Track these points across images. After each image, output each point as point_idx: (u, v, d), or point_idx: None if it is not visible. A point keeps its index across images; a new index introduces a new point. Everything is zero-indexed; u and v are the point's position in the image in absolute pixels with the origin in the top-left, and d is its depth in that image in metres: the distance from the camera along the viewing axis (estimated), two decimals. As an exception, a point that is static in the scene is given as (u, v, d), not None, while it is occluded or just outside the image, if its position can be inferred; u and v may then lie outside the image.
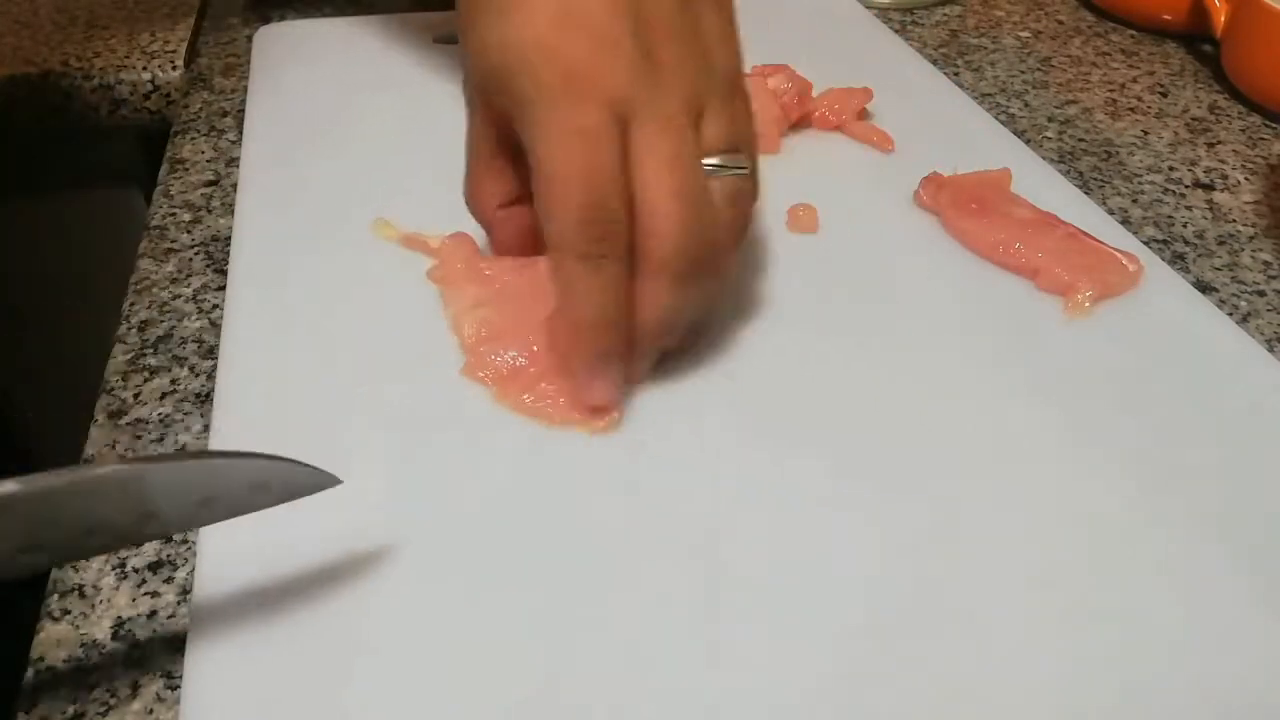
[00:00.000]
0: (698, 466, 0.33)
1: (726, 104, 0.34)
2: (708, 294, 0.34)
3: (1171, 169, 0.53)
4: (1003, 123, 0.53)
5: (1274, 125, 0.57)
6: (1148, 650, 0.28)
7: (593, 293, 0.32)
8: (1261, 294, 0.44)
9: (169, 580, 0.30)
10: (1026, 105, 0.58)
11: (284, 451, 0.32)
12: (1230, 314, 0.41)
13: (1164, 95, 0.60)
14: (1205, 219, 0.49)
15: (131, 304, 0.41)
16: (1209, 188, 0.52)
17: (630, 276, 0.32)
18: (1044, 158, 0.50)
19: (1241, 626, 0.29)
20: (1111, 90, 0.60)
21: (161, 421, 0.36)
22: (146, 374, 0.38)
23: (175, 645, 0.29)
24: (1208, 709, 0.27)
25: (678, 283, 0.32)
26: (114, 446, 0.35)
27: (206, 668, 0.26)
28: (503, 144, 0.35)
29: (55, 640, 0.29)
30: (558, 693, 0.26)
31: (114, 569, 0.31)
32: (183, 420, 0.36)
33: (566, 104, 0.31)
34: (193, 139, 0.52)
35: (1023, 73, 0.62)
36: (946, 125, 0.52)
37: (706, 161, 0.33)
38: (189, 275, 0.43)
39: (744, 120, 0.35)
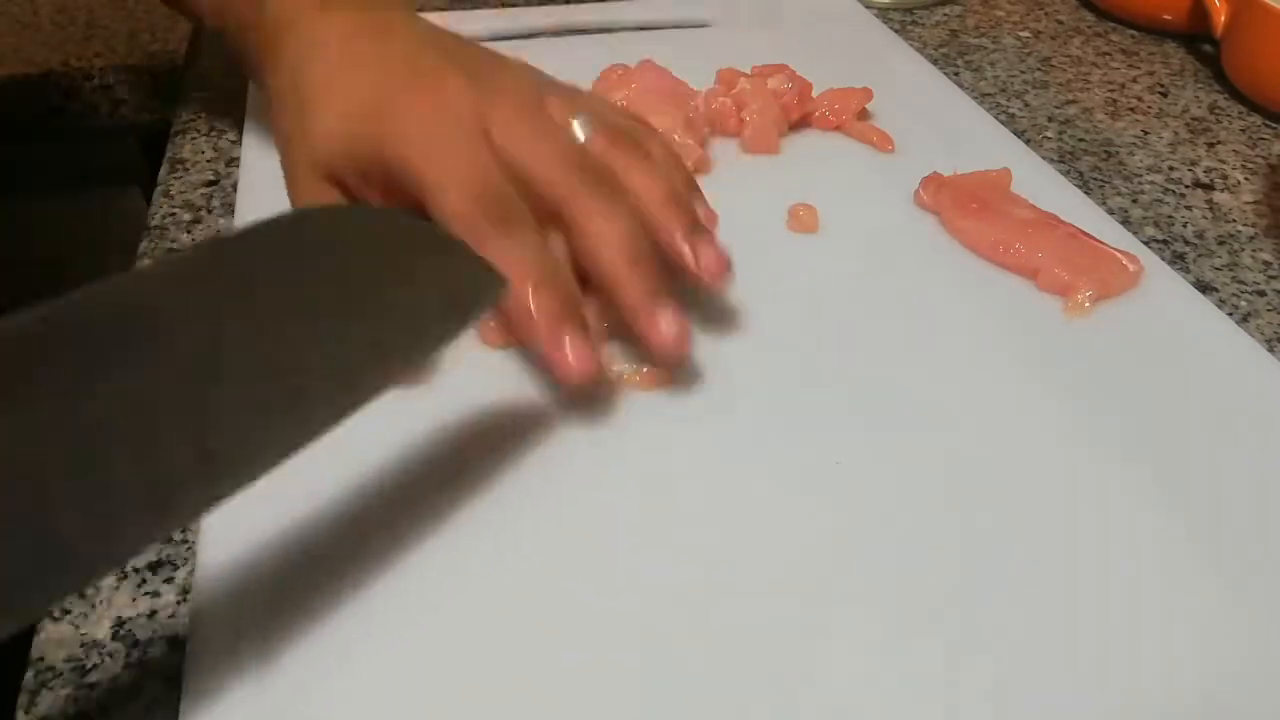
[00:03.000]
0: (695, 465, 0.33)
1: (570, 95, 0.38)
2: (628, 206, 0.34)
3: (1171, 169, 0.53)
4: (1003, 123, 0.53)
5: (1274, 125, 0.57)
6: (1138, 649, 0.28)
7: (523, 253, 0.33)
8: (1261, 294, 0.44)
9: (169, 580, 0.30)
10: (1026, 105, 0.58)
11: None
12: (1230, 314, 0.41)
13: (1164, 95, 0.60)
14: (1205, 219, 0.49)
15: (131, 304, 0.41)
16: (1209, 188, 0.52)
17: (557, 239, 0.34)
18: (1044, 158, 0.50)
19: (1233, 626, 0.29)
20: (1111, 90, 0.60)
21: (161, 421, 0.36)
22: (146, 374, 0.38)
23: (175, 645, 0.29)
24: (1201, 707, 0.27)
25: (594, 200, 0.34)
26: (114, 446, 0.35)
27: (206, 668, 0.26)
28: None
29: (55, 640, 0.29)
30: (563, 696, 0.26)
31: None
32: (183, 420, 0.36)
33: (433, 120, 0.34)
34: (193, 139, 0.52)
35: (1023, 73, 0.62)
36: (946, 125, 0.52)
37: (574, 124, 0.36)
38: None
39: (577, 93, 0.38)
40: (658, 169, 0.36)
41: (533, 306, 0.32)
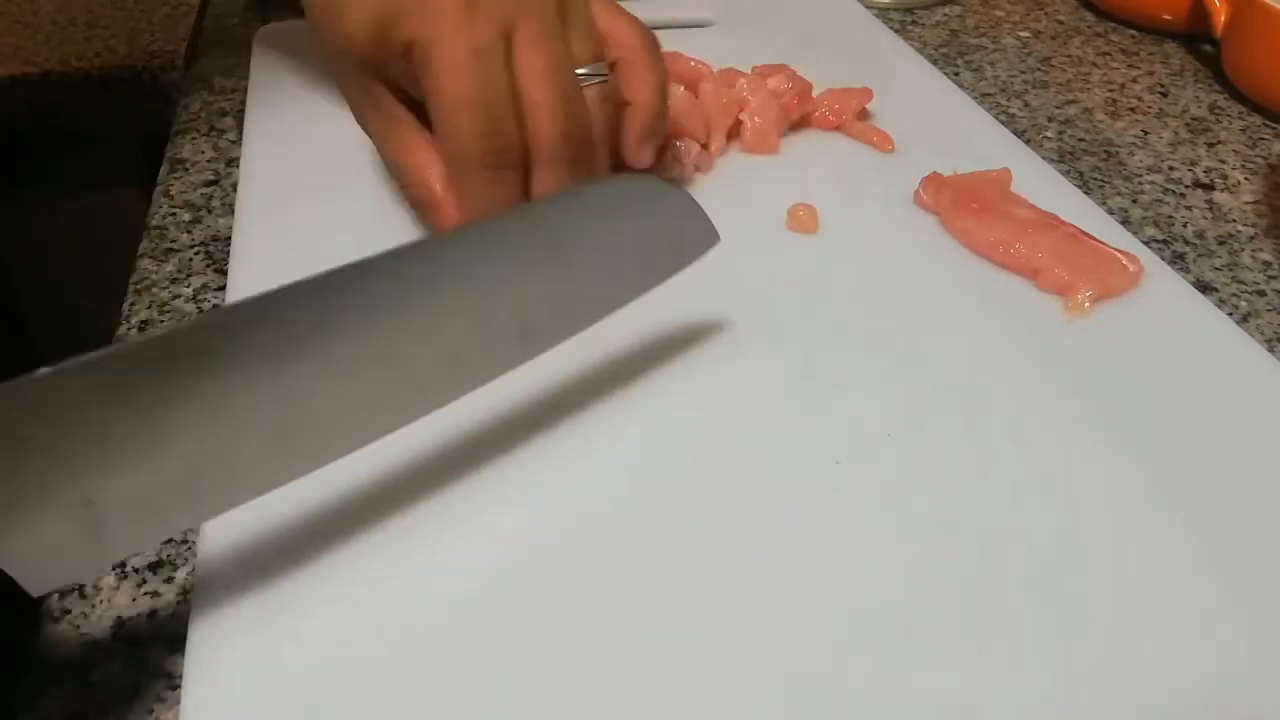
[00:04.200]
0: (698, 461, 0.33)
1: (585, 15, 0.39)
2: (582, 178, 0.38)
3: (1171, 169, 0.53)
4: (1003, 123, 0.53)
5: (1274, 125, 0.57)
6: (1138, 649, 0.28)
7: (498, 198, 0.36)
8: (1261, 294, 0.44)
9: (169, 580, 0.30)
10: (1026, 105, 0.58)
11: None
12: (1230, 314, 0.41)
13: (1164, 95, 0.60)
14: (1205, 219, 0.49)
15: (131, 304, 0.41)
16: (1209, 188, 0.52)
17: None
18: (1044, 158, 0.50)
19: (1233, 626, 0.29)
20: (1111, 90, 0.60)
21: (161, 421, 0.36)
22: (146, 374, 0.38)
23: (175, 645, 0.29)
24: (1201, 707, 0.27)
25: (563, 169, 0.37)
26: (114, 446, 0.35)
27: (206, 667, 0.26)
28: (413, 111, 0.39)
29: (55, 640, 0.29)
30: (570, 694, 0.26)
31: (114, 569, 0.31)
32: (183, 420, 0.36)
33: (465, 28, 0.35)
34: (193, 139, 0.52)
35: (1023, 73, 0.62)
36: (946, 125, 0.51)
37: (578, 71, 0.38)
38: (189, 275, 0.43)
39: (596, 31, 0.40)
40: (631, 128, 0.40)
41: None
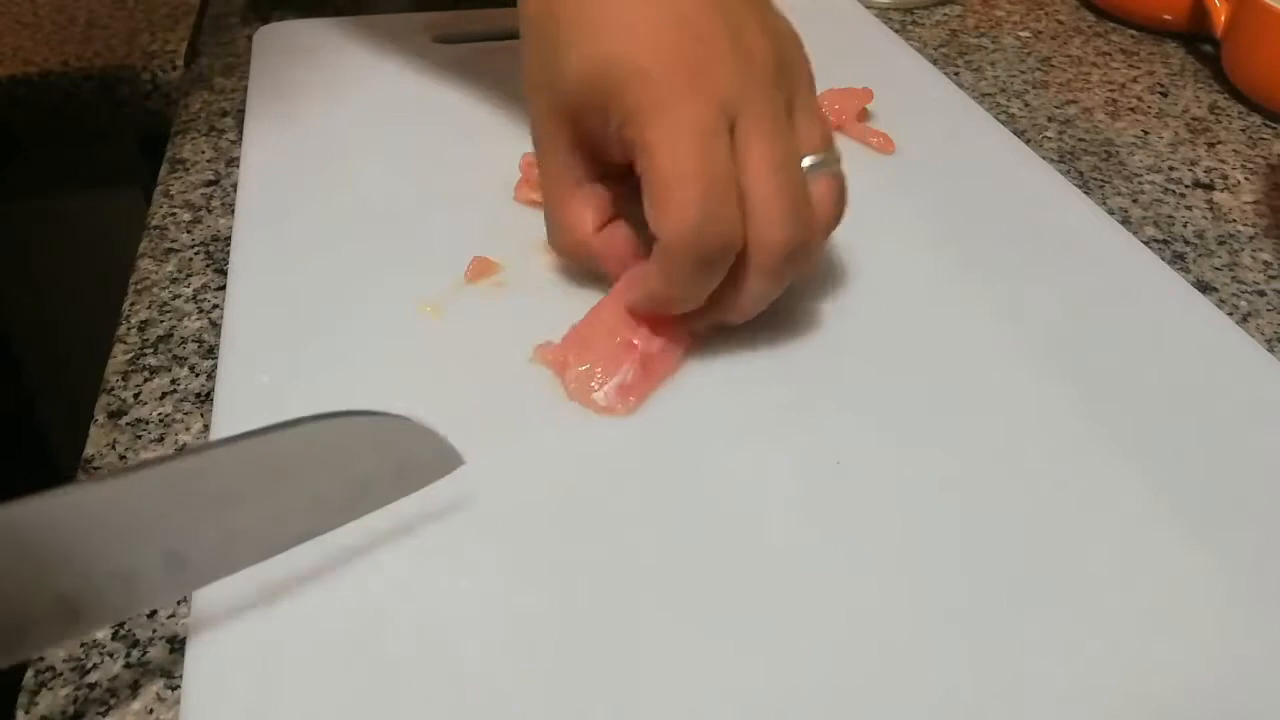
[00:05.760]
0: (706, 453, 0.33)
1: (810, 97, 0.36)
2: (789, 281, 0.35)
3: (1171, 169, 0.53)
4: (1003, 123, 0.53)
5: (1274, 125, 0.57)
6: (1138, 649, 0.28)
7: (699, 294, 0.34)
8: (1261, 294, 0.44)
9: (169, 580, 0.30)
10: (1026, 105, 0.58)
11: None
12: (1230, 314, 0.41)
13: (1164, 95, 0.60)
14: (1205, 219, 0.49)
15: (131, 304, 0.41)
16: (1209, 188, 0.52)
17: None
18: (1044, 158, 0.50)
19: (1233, 626, 0.29)
20: (1111, 90, 0.60)
21: (161, 421, 0.36)
22: (146, 374, 0.38)
23: (175, 645, 0.29)
24: (1202, 707, 0.27)
25: (776, 279, 0.34)
26: (114, 446, 0.35)
27: (206, 668, 0.26)
28: (589, 169, 0.37)
29: (55, 640, 0.29)
30: (568, 697, 0.26)
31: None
32: (183, 420, 0.36)
33: (688, 104, 0.32)
34: (193, 139, 0.52)
35: (1023, 73, 0.62)
36: (946, 125, 0.51)
37: (806, 161, 0.34)
38: (189, 275, 0.43)
39: (822, 113, 0.36)
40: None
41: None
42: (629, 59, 0.33)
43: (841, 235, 0.43)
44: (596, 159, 0.37)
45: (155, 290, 0.42)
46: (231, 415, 0.34)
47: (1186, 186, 0.51)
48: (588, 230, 0.37)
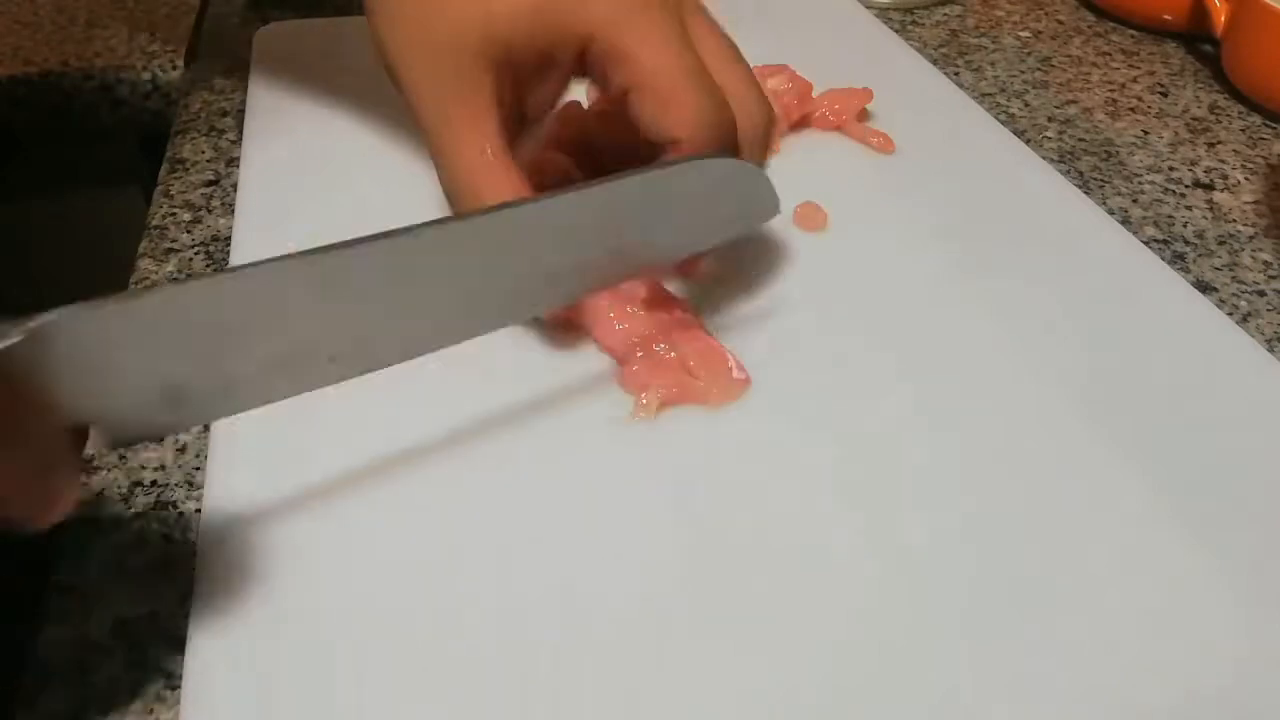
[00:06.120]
0: (704, 453, 0.33)
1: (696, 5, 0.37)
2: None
3: (1171, 169, 0.53)
4: (1003, 123, 0.53)
5: (1274, 125, 0.57)
6: (1137, 650, 0.28)
7: None
8: (1261, 294, 0.44)
9: (169, 580, 0.30)
10: (1026, 105, 0.58)
11: (286, 453, 0.32)
12: (1230, 314, 0.41)
13: (1164, 95, 0.60)
14: (1205, 219, 0.49)
15: (131, 304, 0.41)
16: (1209, 188, 0.52)
17: None
18: (1044, 158, 0.50)
19: (1233, 626, 0.29)
20: (1111, 90, 0.60)
21: (161, 421, 0.36)
22: (146, 374, 0.38)
23: (175, 645, 0.29)
24: (1202, 707, 0.27)
25: (764, 152, 0.37)
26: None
27: (206, 668, 0.26)
28: (504, 117, 0.35)
29: (55, 640, 0.29)
30: (567, 693, 0.26)
31: (114, 566, 0.31)
32: (183, 420, 0.36)
33: (652, 9, 0.34)
34: (193, 139, 0.52)
35: (1023, 73, 0.62)
36: (946, 125, 0.51)
37: None
38: (189, 275, 0.43)
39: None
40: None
41: None
42: None
43: (841, 235, 0.43)
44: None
45: (155, 290, 0.42)
46: (232, 415, 0.34)
47: (1186, 186, 0.51)
48: (517, 190, 0.35)
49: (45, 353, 0.23)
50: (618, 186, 0.31)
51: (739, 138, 0.35)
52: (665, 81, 0.33)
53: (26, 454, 0.23)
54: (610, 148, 0.40)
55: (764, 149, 0.37)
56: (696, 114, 0.33)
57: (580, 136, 0.42)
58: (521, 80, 0.35)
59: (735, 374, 0.35)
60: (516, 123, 0.36)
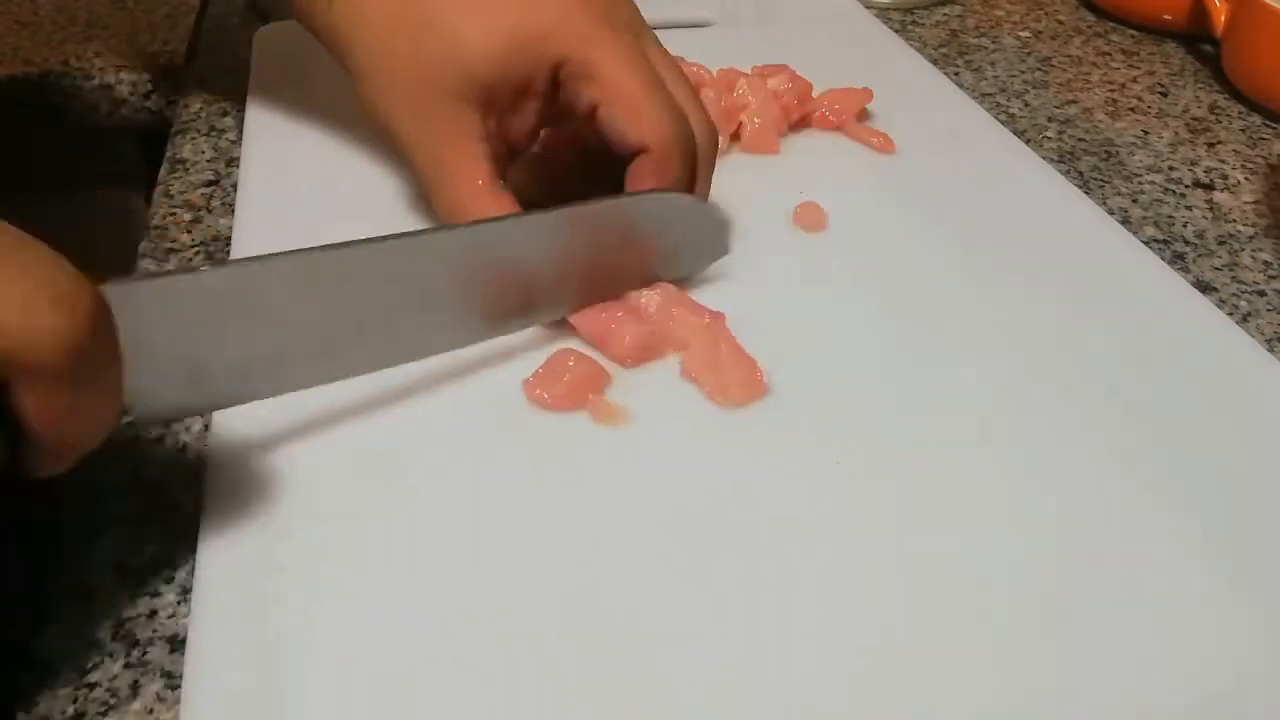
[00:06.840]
0: (704, 454, 0.33)
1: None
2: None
3: (1171, 169, 0.53)
4: (1003, 123, 0.53)
5: (1274, 125, 0.57)
6: (1139, 650, 0.28)
7: (690, 183, 0.38)
8: (1261, 294, 0.44)
9: (169, 580, 0.30)
10: (1026, 105, 0.58)
11: (286, 451, 0.32)
12: (1230, 314, 0.41)
13: (1164, 95, 0.60)
14: (1205, 219, 0.49)
15: (131, 304, 0.41)
16: (1209, 188, 0.52)
17: None
18: (1044, 158, 0.50)
19: (1235, 626, 0.29)
20: (1111, 90, 0.60)
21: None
22: (146, 374, 0.38)
23: (175, 645, 0.29)
24: (1202, 707, 0.27)
25: (710, 175, 0.40)
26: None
27: (206, 668, 0.26)
28: (492, 151, 0.37)
29: (55, 640, 0.29)
30: (567, 692, 0.26)
31: (114, 568, 0.31)
32: (184, 419, 0.36)
33: (613, 30, 0.36)
34: (193, 139, 0.52)
35: (1023, 73, 0.62)
36: (946, 125, 0.51)
37: None
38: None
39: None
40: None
41: None
42: (541, 12, 0.36)
43: (841, 235, 0.43)
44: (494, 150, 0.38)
45: (155, 290, 0.42)
46: (233, 415, 0.34)
47: (1186, 186, 0.51)
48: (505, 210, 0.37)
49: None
50: (587, 209, 0.35)
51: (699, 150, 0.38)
52: (632, 94, 0.36)
53: (116, 400, 0.26)
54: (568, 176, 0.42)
55: (711, 166, 0.39)
56: (661, 124, 0.36)
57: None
58: (504, 111, 0.37)
59: (762, 378, 0.35)
60: (504, 157, 0.39)
